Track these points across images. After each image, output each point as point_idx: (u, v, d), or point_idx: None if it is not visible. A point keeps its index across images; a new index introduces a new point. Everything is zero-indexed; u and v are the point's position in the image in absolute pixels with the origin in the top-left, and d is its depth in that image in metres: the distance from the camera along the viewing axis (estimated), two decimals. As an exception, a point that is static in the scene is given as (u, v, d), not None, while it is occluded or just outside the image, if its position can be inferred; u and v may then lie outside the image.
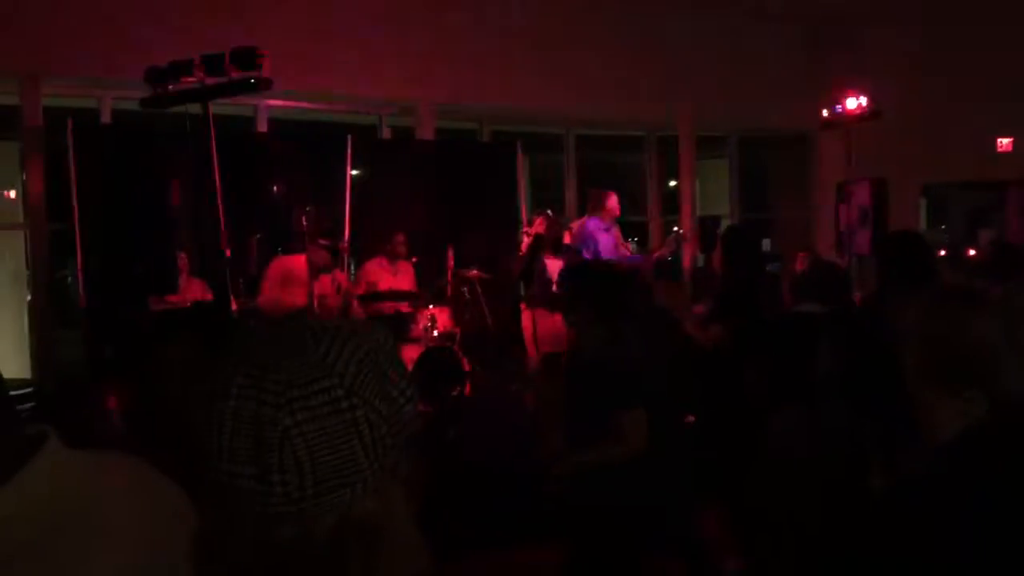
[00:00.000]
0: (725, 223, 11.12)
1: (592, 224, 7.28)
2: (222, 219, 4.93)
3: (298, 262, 6.47)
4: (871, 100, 9.13)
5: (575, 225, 7.83)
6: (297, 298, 6.40)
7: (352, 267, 8.14)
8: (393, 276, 7.61)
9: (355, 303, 7.06)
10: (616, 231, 7.50)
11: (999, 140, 10.96)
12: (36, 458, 1.03)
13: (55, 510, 1.03)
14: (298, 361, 0.87)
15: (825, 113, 9.46)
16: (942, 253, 7.74)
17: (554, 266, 7.07)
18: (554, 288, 7.10)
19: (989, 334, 1.63)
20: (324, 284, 6.59)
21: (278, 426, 0.85)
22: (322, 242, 6.50)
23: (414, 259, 7.67)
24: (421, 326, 7.21)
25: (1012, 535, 1.46)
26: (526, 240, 6.99)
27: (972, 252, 7.20)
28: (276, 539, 0.87)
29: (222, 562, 0.90)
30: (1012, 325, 1.61)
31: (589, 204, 7.52)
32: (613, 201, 7.34)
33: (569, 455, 3.44)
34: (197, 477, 0.91)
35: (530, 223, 7.24)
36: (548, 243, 7.04)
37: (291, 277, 6.48)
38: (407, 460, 0.92)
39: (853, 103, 9.19)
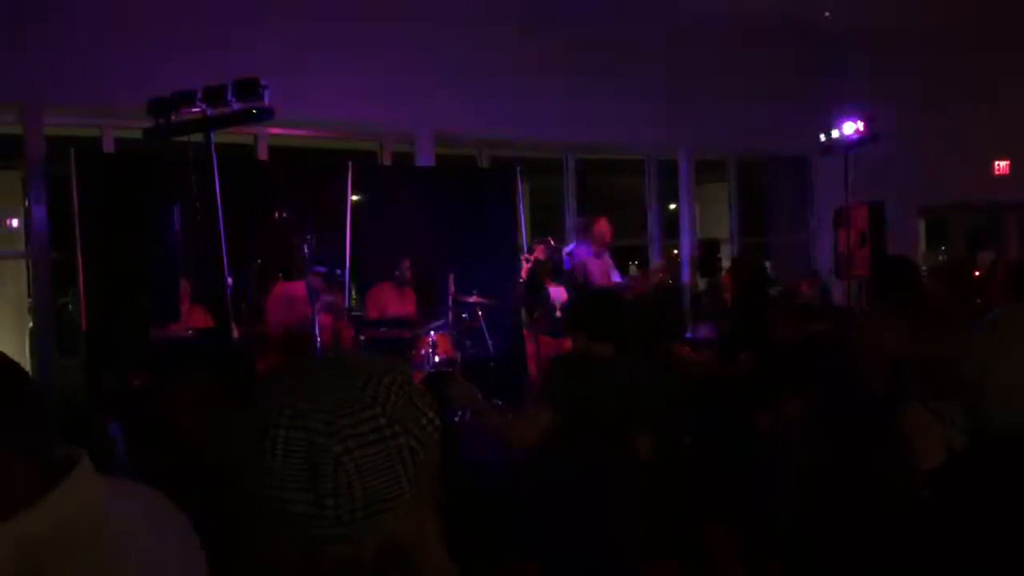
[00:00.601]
0: (725, 247, 11.18)
1: (581, 250, 7.29)
2: (224, 247, 4.95)
3: (299, 288, 6.49)
4: (869, 124, 9.17)
5: (566, 251, 7.86)
6: (300, 324, 6.42)
7: (352, 292, 8.15)
8: (400, 302, 7.65)
9: (345, 331, 7.06)
10: (606, 257, 7.51)
11: (997, 163, 11.01)
12: (67, 481, 1.04)
13: (81, 534, 1.03)
14: (341, 393, 0.95)
15: (823, 137, 9.50)
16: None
17: (556, 293, 7.10)
18: (557, 314, 7.12)
19: (968, 359, 1.63)
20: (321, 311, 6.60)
21: (330, 453, 0.92)
22: (317, 270, 6.52)
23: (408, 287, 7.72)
24: (422, 352, 7.22)
25: (996, 558, 1.46)
26: (526, 267, 7.00)
27: (976, 273, 7.22)
28: (325, 560, 0.94)
29: None
30: (993, 351, 1.59)
31: (578, 230, 7.54)
32: (601, 226, 7.32)
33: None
34: (229, 503, 0.98)
35: (530, 250, 7.25)
36: (548, 270, 7.06)
37: (294, 303, 6.50)
38: (437, 484, 1.01)
39: (851, 127, 9.24)
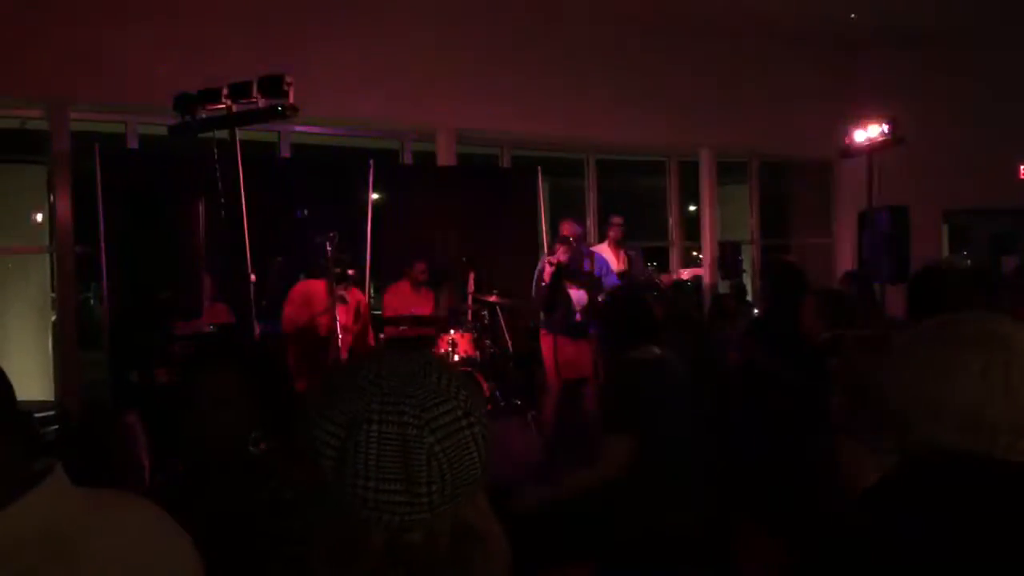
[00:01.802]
0: (746, 250, 11.13)
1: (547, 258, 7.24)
2: (247, 244, 4.95)
3: (319, 285, 6.50)
4: (893, 126, 9.09)
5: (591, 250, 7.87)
6: (320, 320, 6.43)
7: (371, 291, 8.17)
8: (417, 302, 7.67)
9: (370, 328, 7.08)
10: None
11: (1021, 167, 10.91)
12: (34, 491, 1.06)
13: (44, 543, 1.04)
14: (422, 388, 1.01)
15: (846, 139, 9.43)
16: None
17: (577, 296, 7.09)
18: (578, 317, 7.10)
19: (898, 384, 1.56)
20: (340, 312, 6.60)
21: (424, 443, 0.98)
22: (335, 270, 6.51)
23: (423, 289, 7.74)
24: (442, 350, 7.22)
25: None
26: (548, 269, 6.98)
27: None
28: (405, 543, 1.00)
29: (353, 569, 1.01)
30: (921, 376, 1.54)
31: (580, 236, 7.45)
32: (563, 228, 7.27)
33: (541, 486, 3.45)
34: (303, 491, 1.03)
35: (552, 251, 7.22)
36: (571, 272, 7.05)
37: (313, 300, 6.50)
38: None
39: (875, 129, 9.16)
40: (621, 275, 7.59)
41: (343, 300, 6.50)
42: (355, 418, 1.00)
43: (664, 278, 8.84)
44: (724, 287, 10.15)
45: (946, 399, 1.49)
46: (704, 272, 10.72)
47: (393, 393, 1.00)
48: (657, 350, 3.46)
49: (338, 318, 6.26)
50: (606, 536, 3.33)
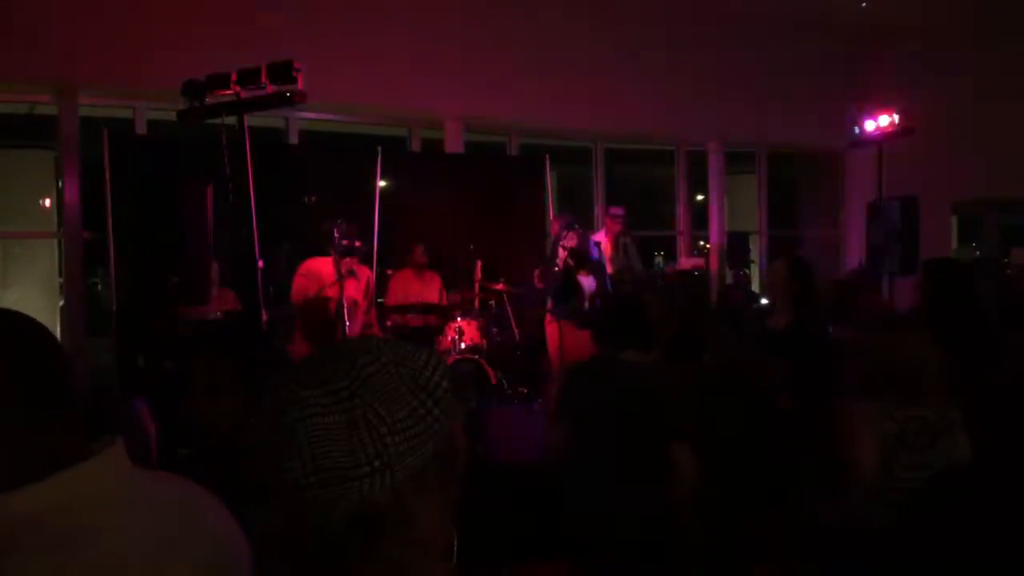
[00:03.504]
0: (753, 240, 11.10)
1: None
2: (255, 230, 4.96)
3: (327, 262, 6.52)
4: (902, 117, 9.05)
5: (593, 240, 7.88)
6: (329, 292, 6.43)
7: (375, 278, 8.18)
8: (421, 287, 7.65)
9: (372, 310, 7.06)
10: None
11: (1031, 158, 10.85)
12: (87, 461, 1.08)
13: (95, 512, 1.07)
14: (320, 370, 0.99)
15: (856, 130, 9.39)
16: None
17: (588, 283, 7.08)
18: (585, 305, 7.10)
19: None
20: (350, 287, 6.60)
21: (288, 418, 0.96)
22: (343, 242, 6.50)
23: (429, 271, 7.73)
24: (448, 338, 7.23)
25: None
26: (562, 254, 6.96)
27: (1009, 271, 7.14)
28: (301, 524, 0.96)
29: (287, 558, 0.98)
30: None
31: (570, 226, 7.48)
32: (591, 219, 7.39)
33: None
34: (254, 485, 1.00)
35: (558, 237, 7.21)
36: (582, 259, 7.04)
37: (322, 272, 6.51)
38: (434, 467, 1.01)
39: (884, 120, 9.13)
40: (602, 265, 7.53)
41: (352, 274, 6.51)
42: (280, 407, 0.98)
43: (669, 269, 8.84)
44: (729, 278, 10.13)
45: None
46: (709, 263, 10.69)
47: (298, 376, 0.99)
48: (639, 355, 3.41)
49: (349, 293, 6.29)
50: (578, 534, 3.35)
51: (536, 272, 7.45)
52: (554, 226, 7.23)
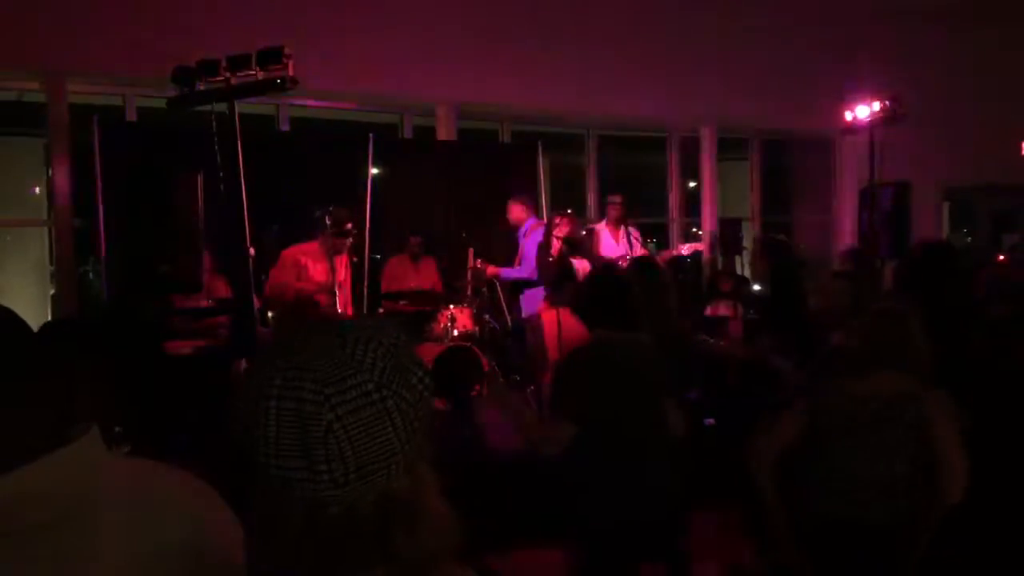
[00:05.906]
0: (746, 226, 11.10)
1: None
2: (246, 217, 4.94)
3: (310, 247, 6.51)
4: (894, 103, 9.05)
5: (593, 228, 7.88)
6: (310, 281, 6.42)
7: (368, 264, 8.17)
8: (416, 274, 7.65)
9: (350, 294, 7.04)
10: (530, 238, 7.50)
11: (1023, 145, 10.86)
12: (61, 449, 1.06)
13: (59, 503, 1.05)
14: (330, 361, 0.98)
15: (848, 116, 9.39)
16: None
17: (581, 266, 7.07)
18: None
19: None
20: (340, 270, 6.59)
21: (321, 421, 0.95)
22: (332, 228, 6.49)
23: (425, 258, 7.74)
24: (441, 325, 7.22)
25: None
26: (556, 243, 6.96)
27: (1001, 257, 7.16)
28: (323, 517, 0.98)
29: (275, 542, 1.00)
30: None
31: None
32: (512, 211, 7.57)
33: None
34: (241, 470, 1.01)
35: (551, 225, 7.20)
36: (575, 244, 7.05)
37: (300, 264, 6.49)
38: (431, 443, 1.04)
39: (876, 106, 9.12)
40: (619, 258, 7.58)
41: (339, 251, 6.49)
42: (259, 394, 0.98)
43: (665, 254, 8.84)
44: (720, 264, 10.13)
45: None
46: (704, 248, 10.70)
47: (297, 368, 0.97)
48: (625, 333, 3.41)
49: (338, 273, 6.31)
50: (578, 520, 3.35)
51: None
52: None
